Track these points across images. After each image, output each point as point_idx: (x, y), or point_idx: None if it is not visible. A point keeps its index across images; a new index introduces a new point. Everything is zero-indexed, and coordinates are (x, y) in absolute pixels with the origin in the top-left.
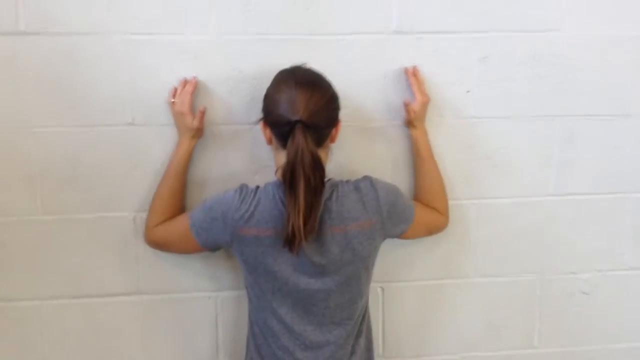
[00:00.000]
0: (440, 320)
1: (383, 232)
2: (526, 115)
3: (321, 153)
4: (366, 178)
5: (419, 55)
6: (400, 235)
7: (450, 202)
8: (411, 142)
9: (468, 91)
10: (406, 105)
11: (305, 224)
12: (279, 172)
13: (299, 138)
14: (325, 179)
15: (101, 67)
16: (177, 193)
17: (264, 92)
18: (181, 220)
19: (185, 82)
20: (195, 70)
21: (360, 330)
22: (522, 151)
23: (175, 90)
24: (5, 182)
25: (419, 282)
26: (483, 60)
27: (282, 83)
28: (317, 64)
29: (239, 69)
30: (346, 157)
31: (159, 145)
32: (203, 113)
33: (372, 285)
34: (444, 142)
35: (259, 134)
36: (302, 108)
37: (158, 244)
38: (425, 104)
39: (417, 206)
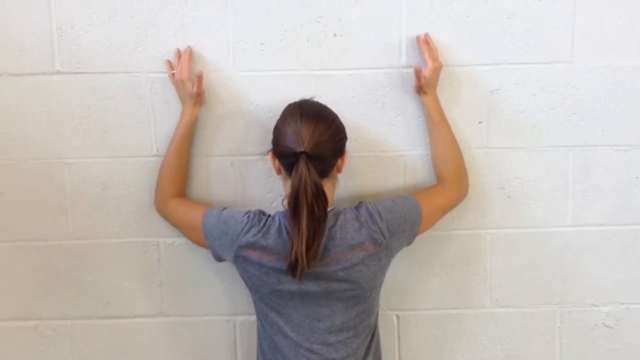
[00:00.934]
0: (457, 351)
1: (389, 252)
2: (540, 146)
3: (327, 183)
4: (362, 205)
5: None
6: (418, 234)
7: (465, 232)
8: (423, 109)
9: (480, 122)
10: (417, 72)
11: (307, 251)
12: (286, 201)
13: (303, 169)
14: (330, 208)
15: (128, 103)
16: (183, 159)
17: None
18: (196, 213)
19: (179, 53)
20: (214, 104)
21: (369, 348)
22: (537, 182)
23: (170, 63)
24: (41, 209)
25: (435, 311)
26: (495, 92)
27: (289, 116)
28: (329, 97)
29: (254, 103)
30: (358, 186)
31: None
32: (201, 77)
33: (387, 313)
34: None
35: None
36: (306, 140)
37: (167, 218)
38: (436, 70)
39: (421, 198)
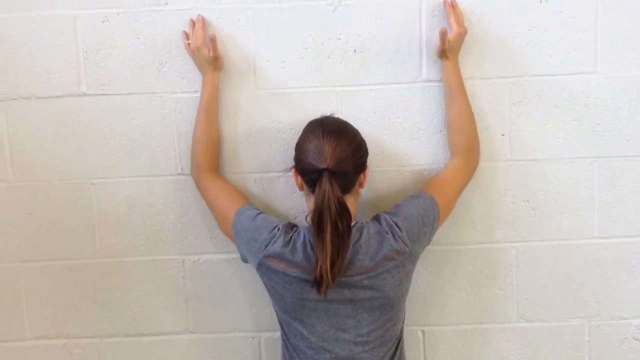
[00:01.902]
0: None
1: (412, 258)
2: (564, 158)
3: (350, 198)
4: (381, 217)
5: None
6: (439, 227)
7: (490, 246)
8: (442, 76)
9: (503, 135)
10: (442, 34)
11: (332, 267)
12: (309, 217)
13: (326, 185)
14: (353, 222)
15: (152, 123)
16: (213, 128)
17: None
18: (232, 206)
19: (193, 23)
20: (236, 122)
21: (393, 357)
22: (562, 194)
23: (186, 33)
24: (69, 228)
25: (461, 326)
26: (517, 104)
27: (311, 133)
28: (350, 113)
29: (276, 120)
30: (380, 200)
31: None
32: (214, 41)
33: (413, 328)
34: (482, 185)
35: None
36: (329, 156)
37: (201, 193)
38: (461, 35)
39: (435, 191)
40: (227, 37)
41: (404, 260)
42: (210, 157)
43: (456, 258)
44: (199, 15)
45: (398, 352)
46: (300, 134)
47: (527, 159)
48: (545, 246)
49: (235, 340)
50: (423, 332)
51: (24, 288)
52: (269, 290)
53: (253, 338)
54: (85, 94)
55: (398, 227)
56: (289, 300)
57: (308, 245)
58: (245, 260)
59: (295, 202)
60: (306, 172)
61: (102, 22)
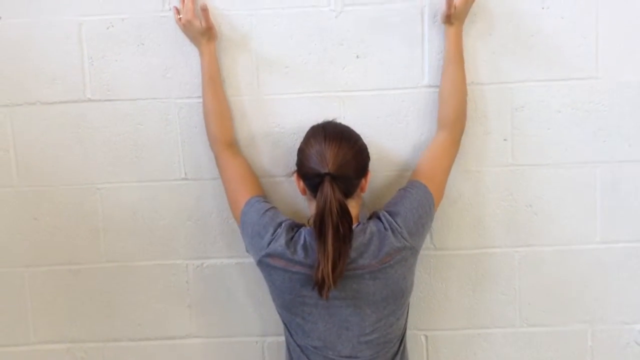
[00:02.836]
0: None
1: (414, 251)
2: (566, 163)
3: (351, 203)
4: (379, 215)
5: None
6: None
7: (493, 250)
8: (445, 42)
9: (505, 140)
10: None
11: (333, 270)
12: (311, 221)
13: (327, 189)
14: (355, 225)
15: (157, 128)
16: (221, 99)
17: None
18: (243, 193)
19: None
20: (239, 127)
21: (397, 354)
22: (564, 199)
23: (177, 9)
24: (74, 233)
25: (463, 331)
26: (519, 109)
27: (313, 138)
28: (353, 118)
29: (279, 125)
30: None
31: (210, 197)
32: (206, 10)
33: (416, 333)
34: (484, 190)
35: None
36: (330, 161)
37: (219, 168)
38: (468, 1)
39: (425, 177)
40: (230, 42)
41: (405, 255)
42: (224, 129)
43: (459, 263)
44: None
45: (401, 351)
46: (302, 139)
47: (529, 164)
48: (548, 251)
49: (239, 344)
50: (426, 336)
51: (28, 292)
52: (269, 286)
53: (257, 342)
54: (90, 100)
55: (397, 223)
56: (289, 296)
57: (308, 247)
58: (248, 251)
59: (297, 206)
60: (308, 176)
61: (107, 28)
